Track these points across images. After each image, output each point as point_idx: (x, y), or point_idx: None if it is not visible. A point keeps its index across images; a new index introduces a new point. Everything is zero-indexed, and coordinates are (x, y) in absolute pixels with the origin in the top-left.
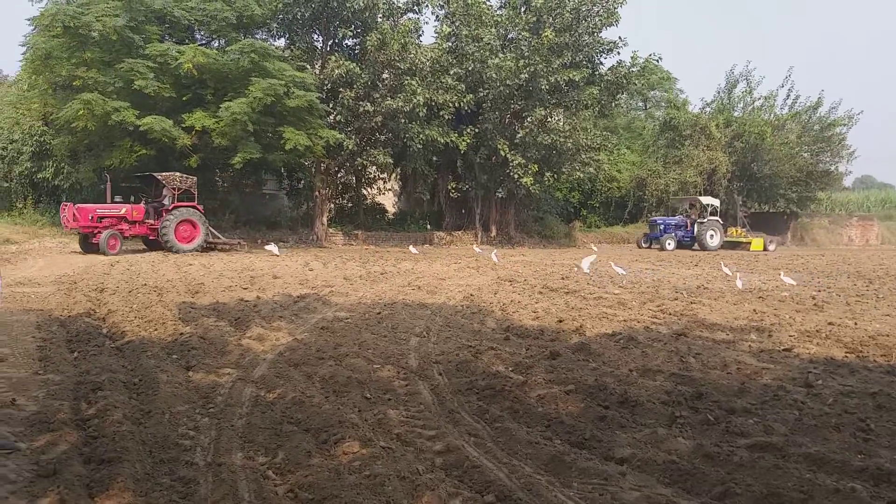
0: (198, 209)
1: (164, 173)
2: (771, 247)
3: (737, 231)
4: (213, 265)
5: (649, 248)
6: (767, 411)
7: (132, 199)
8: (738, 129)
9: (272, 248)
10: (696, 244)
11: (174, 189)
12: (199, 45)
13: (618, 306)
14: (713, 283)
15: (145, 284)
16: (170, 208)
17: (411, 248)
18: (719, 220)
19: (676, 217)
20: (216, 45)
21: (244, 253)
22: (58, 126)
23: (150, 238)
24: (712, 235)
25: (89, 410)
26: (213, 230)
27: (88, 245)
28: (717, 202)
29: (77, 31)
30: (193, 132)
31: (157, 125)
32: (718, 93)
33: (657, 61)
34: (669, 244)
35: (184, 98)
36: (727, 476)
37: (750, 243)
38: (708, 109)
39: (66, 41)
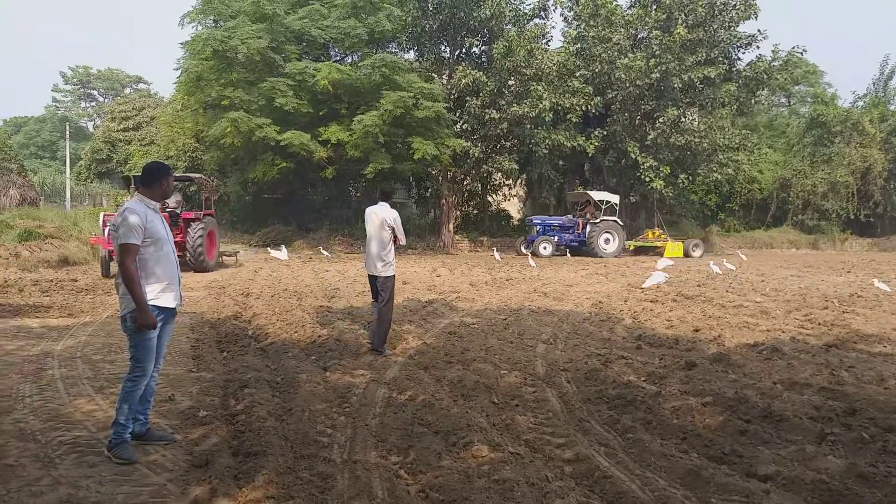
0: (213, 217)
1: (197, 175)
2: (696, 252)
3: (653, 233)
4: (347, 271)
5: (531, 254)
6: None
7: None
8: (895, 123)
9: (277, 253)
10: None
11: (208, 193)
12: (333, 61)
13: (760, 315)
14: (867, 290)
15: (286, 289)
16: (201, 216)
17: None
18: (618, 220)
19: (562, 217)
20: (349, 60)
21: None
22: (208, 142)
23: None
24: (608, 239)
25: (237, 406)
26: None
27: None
28: (615, 198)
29: (225, 55)
30: (329, 145)
31: (297, 139)
32: (873, 84)
33: (801, 54)
34: (545, 248)
35: (320, 113)
36: (884, 499)
37: (665, 248)
38: (860, 104)
39: (215, 64)
